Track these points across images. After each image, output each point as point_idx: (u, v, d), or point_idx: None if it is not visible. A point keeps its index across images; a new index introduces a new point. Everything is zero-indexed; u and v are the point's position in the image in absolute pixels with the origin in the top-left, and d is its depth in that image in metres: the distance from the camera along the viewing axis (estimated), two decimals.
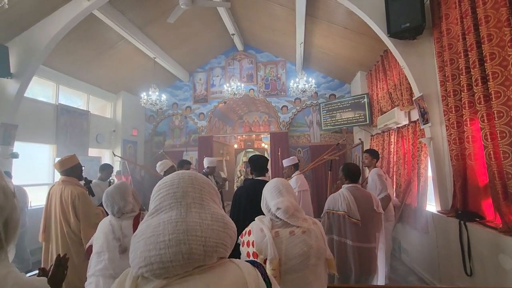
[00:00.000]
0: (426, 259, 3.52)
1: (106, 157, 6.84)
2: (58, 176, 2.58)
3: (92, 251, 1.76)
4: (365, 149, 5.46)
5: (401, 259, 4.22)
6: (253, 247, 1.32)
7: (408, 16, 3.21)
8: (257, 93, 7.69)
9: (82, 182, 2.79)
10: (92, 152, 6.40)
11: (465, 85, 2.69)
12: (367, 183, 3.70)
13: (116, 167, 5.77)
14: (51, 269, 1.15)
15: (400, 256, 4.26)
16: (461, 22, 2.72)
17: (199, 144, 7.80)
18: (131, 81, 7.15)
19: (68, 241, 2.35)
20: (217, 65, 8.03)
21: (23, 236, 3.92)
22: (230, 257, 0.74)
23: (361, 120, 6.12)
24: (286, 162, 3.74)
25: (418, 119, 3.68)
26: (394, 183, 4.40)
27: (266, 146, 10.45)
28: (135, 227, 1.75)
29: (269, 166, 9.30)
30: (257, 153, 10.53)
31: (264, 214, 1.49)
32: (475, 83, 2.52)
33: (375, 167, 3.55)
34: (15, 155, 4.33)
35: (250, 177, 2.48)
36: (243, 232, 1.44)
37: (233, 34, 6.72)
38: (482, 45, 2.40)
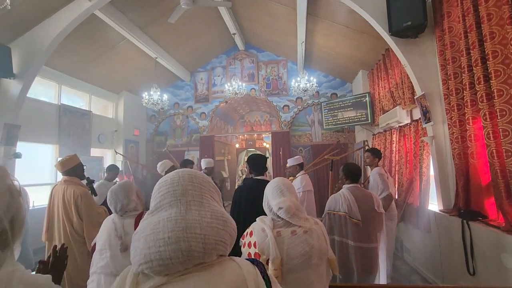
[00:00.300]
0: (429, 259, 3.51)
1: (108, 157, 6.87)
2: (60, 176, 2.59)
3: (95, 249, 1.78)
4: (366, 148, 5.47)
5: (403, 259, 4.21)
6: (255, 248, 1.32)
7: (409, 15, 3.20)
8: (259, 93, 7.68)
9: (85, 182, 2.80)
10: (94, 152, 6.42)
11: (467, 83, 2.67)
12: (368, 182, 3.69)
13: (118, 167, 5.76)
14: (51, 261, 1.15)
15: (403, 256, 4.25)
16: (463, 20, 2.71)
17: (201, 143, 7.80)
18: (133, 81, 7.16)
19: (71, 241, 2.36)
20: (218, 64, 8.03)
21: (25, 235, 3.94)
22: (230, 255, 0.74)
23: (362, 119, 6.10)
24: (291, 162, 3.69)
25: (420, 118, 3.66)
26: (396, 182, 4.39)
27: (267, 146, 10.44)
28: (137, 225, 1.75)
29: (270, 166, 9.32)
30: (258, 152, 10.53)
31: (264, 214, 1.49)
32: (477, 81, 2.51)
33: (377, 166, 3.53)
34: (18, 155, 4.36)
35: (250, 176, 2.48)
36: (244, 233, 1.44)
37: (234, 34, 6.71)
38: (485, 43, 2.39)
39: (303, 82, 5.64)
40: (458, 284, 2.86)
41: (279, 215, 1.36)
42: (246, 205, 2.18)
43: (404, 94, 4.15)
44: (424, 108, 3.41)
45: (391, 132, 4.83)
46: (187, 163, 4.04)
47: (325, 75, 7.32)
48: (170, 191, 0.73)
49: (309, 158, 7.15)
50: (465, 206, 2.83)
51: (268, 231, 1.32)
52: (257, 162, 2.41)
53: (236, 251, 1.09)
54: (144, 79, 7.04)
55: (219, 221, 0.71)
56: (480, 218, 2.61)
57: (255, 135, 10.61)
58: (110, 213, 1.88)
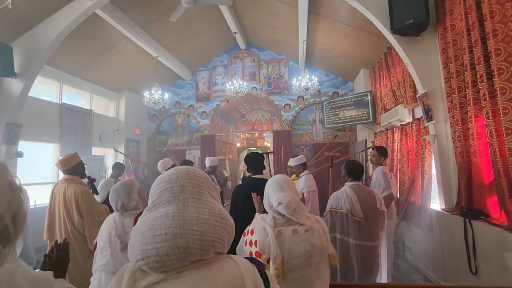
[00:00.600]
0: (431, 258, 3.50)
1: (109, 156, 6.88)
2: (62, 175, 2.59)
3: (97, 248, 1.79)
4: (369, 146, 5.44)
5: (405, 258, 4.20)
6: (256, 246, 1.31)
7: (411, 13, 3.18)
8: (260, 92, 7.67)
9: (86, 181, 2.80)
10: (96, 151, 6.43)
11: (469, 81, 2.66)
12: (371, 180, 3.68)
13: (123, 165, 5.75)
14: (54, 254, 1.16)
15: (404, 255, 4.24)
16: (465, 18, 2.69)
17: (202, 142, 7.80)
18: (134, 80, 7.17)
19: (72, 239, 2.36)
20: (219, 63, 8.02)
21: (26, 233, 3.95)
22: (228, 253, 0.74)
23: (364, 118, 6.09)
24: (294, 162, 3.63)
25: (422, 117, 3.64)
26: (398, 181, 4.38)
27: (269, 145, 10.43)
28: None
29: (271, 165, 9.30)
30: (259, 151, 10.51)
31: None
32: (480, 80, 2.49)
33: (382, 165, 3.51)
34: (20, 154, 4.37)
35: (248, 175, 2.48)
36: (246, 231, 1.43)
37: (235, 33, 6.70)
38: (487, 41, 2.37)
39: (305, 81, 5.63)
40: (460, 283, 2.85)
41: (279, 211, 1.35)
42: (244, 203, 2.18)
43: (406, 93, 4.13)
44: (426, 107, 3.40)
45: (393, 130, 4.81)
46: (187, 164, 4.05)
47: (326, 74, 7.30)
48: (168, 188, 0.73)
49: (311, 157, 7.12)
50: (468, 204, 2.81)
51: (269, 230, 1.32)
52: (255, 161, 2.41)
53: (232, 250, 1.09)
54: (145, 78, 7.04)
55: (217, 218, 0.70)
56: (483, 217, 2.59)
57: (257, 134, 10.60)
58: (111, 211, 1.88)
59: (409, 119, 4.31)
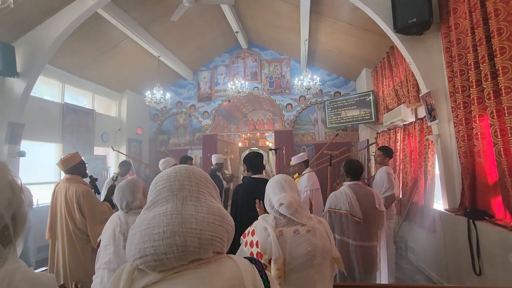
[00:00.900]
0: (434, 258, 3.47)
1: (111, 155, 6.88)
2: (63, 174, 2.59)
3: (100, 245, 1.80)
4: (371, 143, 5.42)
5: (407, 258, 4.17)
6: (257, 247, 1.30)
7: (415, 11, 3.15)
8: (261, 91, 7.66)
9: (88, 180, 2.80)
10: (98, 150, 6.44)
11: (474, 80, 2.63)
12: (373, 179, 3.66)
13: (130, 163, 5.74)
14: None
15: (407, 255, 4.21)
16: (469, 16, 2.67)
17: (204, 142, 7.80)
18: (136, 80, 7.17)
19: (74, 239, 2.36)
20: (221, 63, 8.01)
21: (28, 234, 3.94)
22: (228, 253, 0.73)
23: (366, 117, 6.06)
24: (295, 159, 3.60)
25: (425, 116, 3.62)
26: (401, 181, 4.35)
27: (270, 145, 10.41)
28: None
29: (273, 165, 9.27)
30: (260, 151, 10.50)
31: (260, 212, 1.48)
32: (484, 79, 2.46)
33: (387, 165, 3.48)
34: (22, 154, 4.38)
35: (248, 175, 2.46)
36: (246, 232, 1.42)
37: (237, 32, 6.69)
38: (492, 40, 2.35)
39: (306, 80, 5.61)
40: (463, 284, 2.82)
41: (281, 212, 1.34)
42: (242, 203, 2.18)
43: (408, 92, 4.10)
44: (430, 106, 3.37)
45: (395, 130, 4.78)
46: (187, 160, 4.07)
47: (328, 74, 7.27)
48: (166, 186, 0.72)
49: (312, 157, 7.11)
50: (471, 205, 2.79)
51: (271, 230, 1.30)
52: (254, 161, 2.40)
53: (232, 249, 1.07)
54: (147, 78, 7.05)
55: (216, 216, 0.69)
56: (487, 218, 2.57)
57: (258, 134, 10.59)
58: (113, 208, 1.88)
59: (412, 119, 4.29)
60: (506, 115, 2.21)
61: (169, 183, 0.72)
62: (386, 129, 5.25)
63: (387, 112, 5.15)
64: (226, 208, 2.62)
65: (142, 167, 7.28)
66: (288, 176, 1.50)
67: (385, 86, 5.21)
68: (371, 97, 5.94)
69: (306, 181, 3.31)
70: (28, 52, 4.29)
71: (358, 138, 6.99)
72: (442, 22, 3.19)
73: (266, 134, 10.62)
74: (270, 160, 10.07)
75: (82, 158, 2.69)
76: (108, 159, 6.70)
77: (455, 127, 2.99)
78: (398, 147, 4.62)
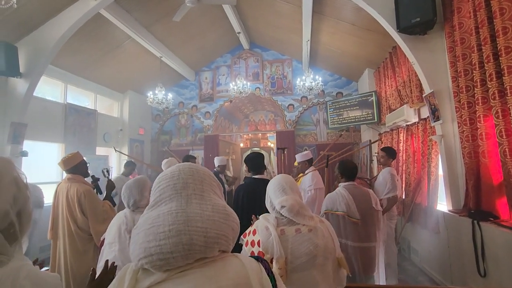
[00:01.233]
0: (437, 260, 3.44)
1: (113, 156, 6.89)
2: (66, 174, 2.59)
3: (104, 243, 1.79)
4: (374, 147, 5.39)
5: (410, 259, 4.14)
6: (259, 246, 1.29)
7: (418, 11, 3.13)
8: (263, 92, 7.65)
9: (90, 180, 2.80)
10: (100, 151, 6.45)
11: (478, 80, 2.60)
12: (375, 179, 3.64)
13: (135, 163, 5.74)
14: (100, 274, 1.16)
15: (410, 257, 4.18)
16: (474, 16, 2.64)
17: (205, 143, 7.80)
18: (138, 81, 7.19)
19: (76, 238, 2.36)
20: (223, 63, 8.02)
21: (32, 233, 3.95)
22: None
23: (368, 118, 6.03)
24: (299, 158, 3.55)
25: (428, 116, 3.59)
26: (404, 182, 4.32)
27: (272, 145, 10.40)
28: None
29: (274, 165, 9.25)
30: (261, 151, 10.48)
31: (262, 213, 1.47)
32: (489, 78, 2.44)
33: (390, 166, 3.46)
34: (25, 154, 4.39)
35: (249, 175, 2.46)
36: (247, 231, 1.41)
37: (238, 33, 6.69)
38: (497, 39, 2.32)
39: (308, 81, 5.59)
40: (468, 286, 2.79)
41: (282, 214, 1.33)
42: (243, 203, 2.18)
43: (411, 93, 4.08)
44: (433, 106, 3.34)
45: (398, 131, 4.76)
46: (189, 158, 4.06)
47: (330, 74, 7.25)
48: (170, 185, 0.71)
49: (314, 158, 7.09)
50: (476, 206, 2.76)
51: (272, 230, 1.29)
52: (255, 162, 2.39)
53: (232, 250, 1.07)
54: (149, 78, 7.06)
55: (221, 214, 0.68)
56: (492, 219, 2.54)
57: (260, 134, 10.58)
58: (114, 205, 1.88)
59: (415, 119, 4.26)
60: (511, 115, 2.19)
61: (173, 182, 0.71)
62: (388, 130, 5.22)
63: (389, 113, 5.12)
64: None
65: (144, 167, 7.28)
66: (289, 177, 1.48)
67: (387, 87, 5.19)
68: (373, 98, 5.91)
69: (310, 180, 3.27)
70: (31, 53, 4.30)
71: (360, 138, 6.96)
72: (446, 22, 3.17)
73: (268, 135, 10.61)
74: (272, 161, 10.06)
75: (84, 157, 2.68)
76: (110, 159, 6.70)
77: (459, 128, 2.96)
78: (401, 148, 4.59)
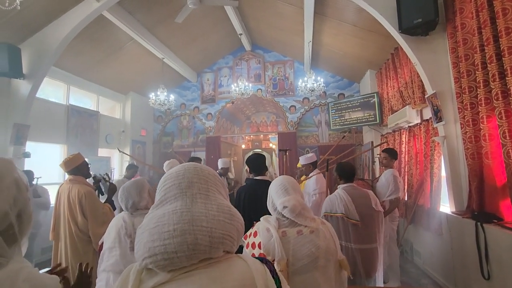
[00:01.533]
0: (440, 262, 3.41)
1: (115, 157, 6.92)
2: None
3: (103, 248, 1.77)
4: (376, 148, 5.37)
5: (413, 262, 4.10)
6: (260, 248, 1.28)
7: (420, 11, 3.12)
8: (265, 93, 7.65)
9: (92, 181, 2.80)
10: (102, 152, 6.48)
11: (481, 81, 2.59)
12: (377, 181, 3.62)
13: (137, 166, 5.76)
14: (77, 276, 1.14)
15: (413, 259, 4.14)
16: (476, 16, 2.63)
17: (207, 144, 7.81)
18: (140, 82, 7.21)
19: (76, 240, 2.36)
20: (224, 65, 8.03)
21: (35, 236, 3.93)
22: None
23: (370, 119, 6.01)
24: (303, 161, 3.50)
25: (430, 118, 3.57)
26: (406, 184, 4.30)
27: (274, 146, 10.39)
28: None
29: (276, 167, 9.22)
30: (263, 153, 10.48)
31: (262, 213, 1.46)
32: (492, 79, 2.42)
33: (392, 167, 3.44)
34: (27, 155, 4.41)
35: (250, 176, 2.45)
36: (247, 233, 1.39)
37: (240, 34, 6.71)
38: (500, 39, 2.31)
39: (310, 82, 5.59)
40: None
41: (284, 215, 1.32)
42: (245, 205, 2.17)
43: (414, 94, 4.06)
44: (435, 107, 3.33)
45: (400, 132, 4.74)
46: (195, 160, 4.05)
47: (332, 75, 7.25)
48: (175, 184, 0.70)
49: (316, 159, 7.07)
50: (479, 208, 2.73)
51: (273, 231, 1.28)
52: (256, 163, 2.39)
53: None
54: (151, 79, 7.09)
55: (226, 214, 0.68)
56: (495, 221, 2.51)
57: (262, 136, 10.58)
58: (114, 209, 1.86)
59: (417, 120, 4.24)
60: None
61: (178, 181, 0.71)
62: (391, 131, 5.20)
63: (391, 114, 5.10)
64: None
65: (146, 168, 7.30)
66: (291, 178, 1.47)
67: (389, 88, 5.17)
68: (375, 99, 5.89)
69: (314, 184, 3.22)
70: (34, 54, 4.33)
71: (362, 140, 6.94)
72: (448, 22, 3.16)
73: (270, 136, 10.61)
74: (274, 162, 10.04)
75: (85, 159, 2.69)
76: (112, 161, 6.72)
77: (461, 129, 2.94)
78: (404, 149, 4.57)
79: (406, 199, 4.25)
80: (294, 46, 6.65)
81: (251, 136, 10.60)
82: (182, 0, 4.59)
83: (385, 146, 5.25)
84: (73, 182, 2.45)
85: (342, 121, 6.56)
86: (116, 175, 6.36)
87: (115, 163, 6.87)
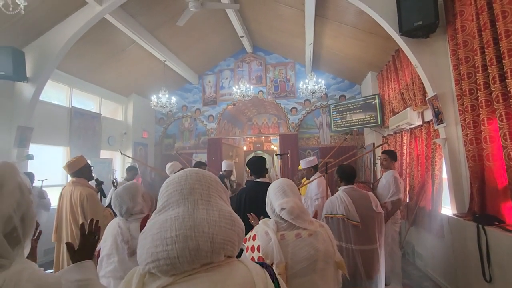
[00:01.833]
0: (442, 264, 3.40)
1: (117, 159, 6.95)
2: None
3: (100, 254, 1.75)
4: (377, 150, 5.37)
5: (415, 264, 4.09)
6: (259, 252, 1.28)
7: (420, 14, 3.13)
8: (266, 95, 7.67)
9: (94, 183, 2.82)
10: (104, 154, 6.51)
11: (481, 83, 2.59)
12: (378, 182, 3.61)
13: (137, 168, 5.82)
14: (80, 240, 1.15)
15: (414, 261, 4.13)
16: (476, 19, 2.64)
17: (209, 146, 7.83)
18: (142, 84, 7.26)
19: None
20: (226, 67, 8.06)
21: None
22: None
23: (372, 121, 6.01)
24: (304, 163, 3.47)
25: (431, 120, 3.57)
26: (407, 185, 4.29)
27: (275, 148, 10.40)
28: (143, 228, 1.73)
29: (278, 169, 9.22)
30: (265, 155, 10.49)
31: (264, 217, 1.46)
32: (492, 81, 2.42)
33: (392, 169, 3.43)
34: (30, 157, 4.45)
35: (250, 178, 2.46)
36: (247, 237, 1.40)
37: (242, 36, 6.73)
38: (500, 42, 2.31)
39: (311, 84, 5.60)
40: None
41: (282, 217, 1.33)
42: (245, 207, 2.18)
43: (415, 96, 4.06)
44: (436, 109, 3.33)
45: (402, 134, 4.73)
46: (200, 165, 4.08)
47: (333, 77, 7.25)
48: (177, 190, 0.72)
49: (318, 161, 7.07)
50: (481, 210, 2.73)
51: (272, 235, 1.29)
52: (257, 165, 2.40)
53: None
54: (153, 82, 7.13)
55: (227, 220, 0.69)
56: (497, 223, 2.50)
57: (263, 137, 10.59)
58: (115, 215, 1.85)
59: (419, 122, 4.23)
60: None
61: (180, 187, 0.72)
62: (392, 133, 5.19)
63: (393, 116, 5.09)
64: None
65: (148, 170, 7.32)
66: (290, 181, 1.48)
67: (390, 90, 5.17)
68: (376, 101, 5.89)
69: (316, 188, 3.22)
70: (37, 57, 4.38)
71: (363, 142, 6.93)
72: (449, 25, 3.17)
73: (271, 138, 10.62)
74: (275, 165, 10.05)
75: (88, 161, 2.71)
76: (114, 163, 6.76)
77: (462, 131, 2.94)
78: (405, 151, 4.56)
79: (407, 201, 4.25)
80: (295, 48, 6.66)
81: (253, 138, 10.62)
82: (184, 3, 4.62)
83: (385, 147, 5.25)
84: (75, 184, 2.48)
85: (344, 123, 6.56)
86: (118, 177, 6.39)
87: (117, 165, 6.90)
